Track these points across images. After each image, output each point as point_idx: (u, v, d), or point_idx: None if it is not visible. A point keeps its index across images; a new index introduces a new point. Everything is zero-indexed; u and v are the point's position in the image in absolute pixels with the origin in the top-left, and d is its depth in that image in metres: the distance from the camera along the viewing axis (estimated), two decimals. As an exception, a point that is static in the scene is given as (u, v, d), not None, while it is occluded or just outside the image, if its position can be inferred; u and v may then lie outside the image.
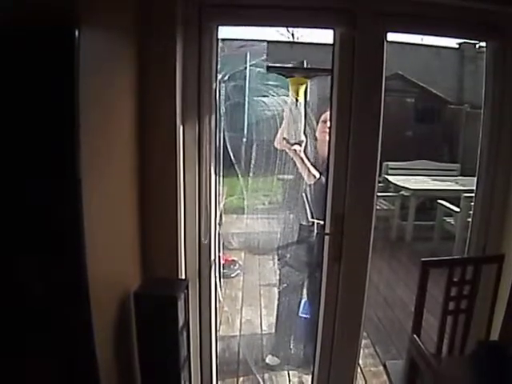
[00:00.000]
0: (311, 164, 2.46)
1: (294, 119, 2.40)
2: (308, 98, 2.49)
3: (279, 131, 2.49)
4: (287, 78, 2.36)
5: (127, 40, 1.64)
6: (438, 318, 1.88)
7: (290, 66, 2.45)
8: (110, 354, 1.56)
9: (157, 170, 1.81)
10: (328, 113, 2.10)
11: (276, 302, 2.83)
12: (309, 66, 2.39)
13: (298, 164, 2.46)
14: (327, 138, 2.00)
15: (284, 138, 2.43)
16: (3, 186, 1.18)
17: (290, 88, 2.37)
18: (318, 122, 2.51)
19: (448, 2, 1.80)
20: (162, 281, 1.84)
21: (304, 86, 2.36)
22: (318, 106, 2.56)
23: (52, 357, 1.28)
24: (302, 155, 2.44)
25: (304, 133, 2.44)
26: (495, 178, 2.02)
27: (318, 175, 2.42)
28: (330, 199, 1.95)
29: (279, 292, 2.79)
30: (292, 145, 2.42)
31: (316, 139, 2.54)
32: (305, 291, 2.72)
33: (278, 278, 2.85)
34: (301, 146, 2.42)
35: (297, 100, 2.36)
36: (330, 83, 1.89)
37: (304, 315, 2.74)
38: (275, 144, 2.53)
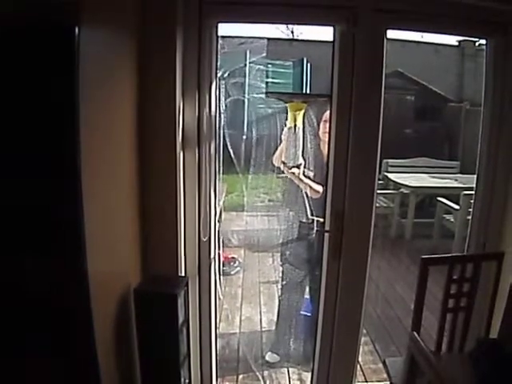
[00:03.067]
0: (313, 181, 2.48)
1: (292, 144, 2.41)
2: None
3: (277, 151, 2.52)
4: (286, 103, 2.37)
5: (127, 38, 1.63)
6: (438, 316, 1.88)
7: (288, 91, 2.48)
8: (110, 351, 1.56)
9: (157, 167, 1.81)
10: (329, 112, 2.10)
11: (277, 300, 2.83)
12: (308, 92, 2.40)
13: (300, 185, 2.49)
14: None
15: (282, 162, 2.46)
16: (3, 185, 1.17)
17: (288, 113, 2.38)
18: (319, 122, 2.51)
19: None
20: (162, 278, 1.84)
21: (303, 112, 2.38)
22: (319, 105, 2.56)
23: (52, 355, 1.28)
24: (302, 176, 2.47)
25: (302, 155, 2.47)
26: (495, 175, 2.02)
27: (321, 189, 2.42)
28: (329, 196, 1.95)
29: (280, 289, 2.80)
30: (290, 168, 2.45)
31: (318, 138, 2.53)
32: (306, 289, 2.73)
33: (278, 275, 2.85)
34: (299, 168, 2.45)
35: (295, 125, 2.38)
36: (330, 81, 1.89)
37: (304, 313, 2.75)
38: (273, 161, 2.57)
